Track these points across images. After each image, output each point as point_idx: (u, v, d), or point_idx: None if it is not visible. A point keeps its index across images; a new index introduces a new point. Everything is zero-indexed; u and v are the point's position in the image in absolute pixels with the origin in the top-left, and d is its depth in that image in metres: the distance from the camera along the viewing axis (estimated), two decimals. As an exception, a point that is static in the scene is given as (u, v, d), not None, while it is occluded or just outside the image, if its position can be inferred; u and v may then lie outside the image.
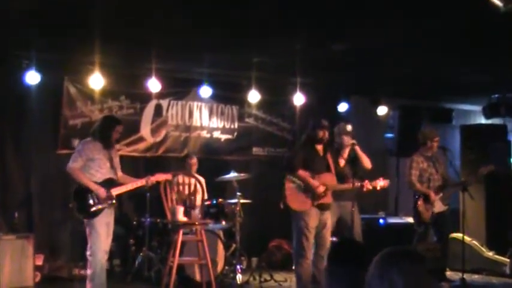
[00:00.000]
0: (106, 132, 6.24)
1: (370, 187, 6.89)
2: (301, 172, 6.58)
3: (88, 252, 6.06)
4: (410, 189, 7.82)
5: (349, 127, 7.36)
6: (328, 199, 6.63)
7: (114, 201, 6.15)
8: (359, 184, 6.74)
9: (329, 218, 6.69)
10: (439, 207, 7.59)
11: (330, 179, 6.69)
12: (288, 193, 6.57)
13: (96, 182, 6.08)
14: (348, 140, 7.29)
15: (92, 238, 6.03)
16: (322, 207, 6.58)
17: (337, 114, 9.42)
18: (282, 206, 6.63)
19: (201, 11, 5.76)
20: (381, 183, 6.95)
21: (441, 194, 7.60)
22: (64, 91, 7.87)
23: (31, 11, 5.69)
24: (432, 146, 7.69)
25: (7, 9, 5.68)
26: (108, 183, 6.17)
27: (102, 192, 6.04)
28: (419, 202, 7.57)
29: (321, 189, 6.53)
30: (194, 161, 7.93)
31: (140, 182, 6.44)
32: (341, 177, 6.88)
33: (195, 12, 5.80)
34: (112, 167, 6.24)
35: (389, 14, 5.75)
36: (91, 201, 6.03)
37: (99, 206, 6.04)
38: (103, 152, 6.17)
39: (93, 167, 6.13)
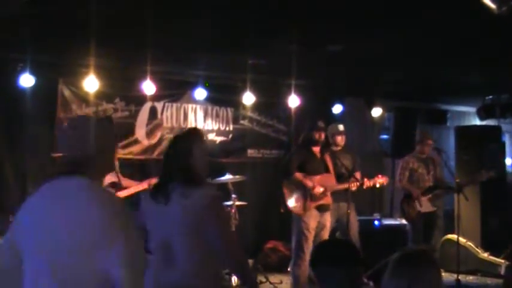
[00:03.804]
0: None
1: (370, 184, 6.96)
2: (297, 174, 6.60)
3: None
4: (401, 190, 7.92)
5: (341, 127, 7.40)
6: (327, 200, 6.66)
7: None
8: (359, 183, 6.78)
9: (328, 220, 6.72)
10: (426, 207, 7.63)
11: (328, 179, 6.71)
12: (287, 196, 6.60)
13: None
14: (340, 140, 7.33)
15: None
16: (322, 209, 6.60)
17: (332, 115, 9.43)
18: (282, 210, 6.65)
19: (196, 13, 5.76)
20: (379, 180, 7.03)
21: (430, 195, 7.64)
22: (58, 94, 7.84)
23: (25, 13, 5.67)
24: (423, 148, 7.74)
25: (1, 12, 5.66)
26: (113, 187, 6.18)
27: None
28: (404, 200, 7.68)
29: (318, 189, 6.55)
30: None
31: (142, 186, 6.46)
32: (339, 178, 6.92)
33: (190, 14, 5.79)
34: (115, 170, 6.26)
35: (385, 15, 5.76)
36: None
37: None
38: None
39: None
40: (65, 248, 2.34)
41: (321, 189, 6.60)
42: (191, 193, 3.31)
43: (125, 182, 6.40)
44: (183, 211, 3.26)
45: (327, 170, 6.79)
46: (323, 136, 6.77)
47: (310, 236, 6.51)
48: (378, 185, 7.09)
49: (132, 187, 6.39)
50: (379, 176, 7.11)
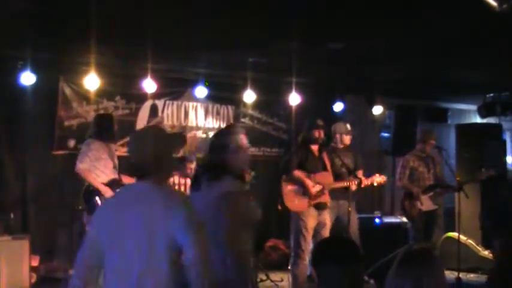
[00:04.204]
0: (109, 127, 6.30)
1: (368, 183, 6.97)
2: (297, 172, 6.60)
3: None
4: (401, 188, 7.90)
5: (348, 126, 7.41)
6: (325, 198, 6.66)
7: None
8: (356, 181, 6.79)
9: (328, 218, 6.71)
10: (427, 206, 7.61)
11: (326, 177, 6.71)
12: (285, 194, 6.59)
13: (101, 183, 6.09)
14: (348, 140, 7.33)
15: None
16: (320, 207, 6.60)
17: (332, 113, 9.42)
18: (279, 207, 6.66)
19: (196, 11, 5.75)
20: (377, 179, 7.04)
21: (431, 193, 7.63)
22: (59, 92, 7.84)
23: (26, 11, 5.67)
24: (424, 147, 7.73)
25: (2, 10, 5.66)
26: (113, 184, 6.18)
27: (109, 194, 6.05)
28: (405, 199, 7.66)
29: (316, 188, 6.55)
30: (193, 165, 7.87)
31: None
32: (338, 176, 6.91)
33: (190, 12, 5.79)
34: (114, 167, 6.27)
35: (385, 13, 5.76)
36: (99, 203, 6.03)
37: None
38: (107, 152, 6.20)
39: (99, 168, 6.14)
40: (142, 239, 2.75)
41: (319, 188, 6.61)
42: (214, 186, 3.56)
43: (125, 179, 6.40)
44: (203, 201, 3.46)
45: (324, 169, 6.79)
46: (322, 134, 6.77)
47: (308, 235, 6.51)
48: (375, 184, 7.10)
49: None
50: (377, 174, 7.12)
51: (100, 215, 3.00)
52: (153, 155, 2.87)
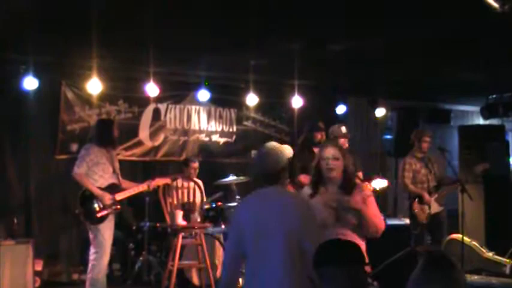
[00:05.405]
0: (109, 133, 6.30)
1: (372, 189, 6.92)
2: (302, 177, 6.58)
3: (92, 257, 6.05)
4: (404, 191, 7.85)
5: (343, 129, 7.35)
6: None
7: (118, 206, 6.17)
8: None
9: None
10: (434, 208, 7.58)
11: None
12: None
13: (100, 188, 6.09)
14: (343, 142, 7.29)
15: (98, 243, 6.03)
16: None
17: (335, 116, 9.42)
18: None
19: (199, 14, 5.76)
20: (379, 184, 6.98)
21: (436, 195, 7.60)
22: (61, 96, 7.86)
23: (28, 15, 5.68)
24: (422, 146, 7.65)
25: (4, 14, 5.68)
26: (112, 189, 6.18)
27: (106, 198, 6.06)
28: (415, 204, 7.57)
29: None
30: (196, 165, 7.86)
31: (142, 187, 6.48)
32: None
33: (192, 15, 5.80)
34: (114, 172, 6.27)
35: (387, 15, 5.76)
36: (97, 207, 6.04)
37: (105, 212, 6.05)
38: (106, 157, 6.20)
39: (97, 172, 6.14)
40: (279, 232, 3.40)
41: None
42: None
43: (124, 183, 6.41)
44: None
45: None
46: (324, 136, 6.76)
47: None
48: (378, 189, 7.04)
49: (132, 188, 6.41)
50: (378, 178, 7.06)
51: (243, 211, 3.65)
52: (281, 166, 3.73)
